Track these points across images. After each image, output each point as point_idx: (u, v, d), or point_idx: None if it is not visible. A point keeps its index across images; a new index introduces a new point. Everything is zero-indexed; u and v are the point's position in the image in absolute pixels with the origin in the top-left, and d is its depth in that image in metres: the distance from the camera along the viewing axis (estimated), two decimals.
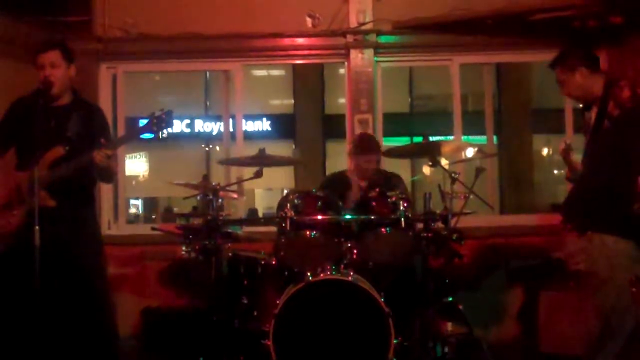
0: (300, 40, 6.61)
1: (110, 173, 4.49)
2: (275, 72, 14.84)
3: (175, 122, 14.31)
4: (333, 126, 13.30)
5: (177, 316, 5.51)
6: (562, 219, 4.13)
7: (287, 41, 6.61)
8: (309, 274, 4.25)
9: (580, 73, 4.06)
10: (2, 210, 4.17)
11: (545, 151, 15.02)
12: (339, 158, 11.04)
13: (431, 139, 5.11)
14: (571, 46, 4.43)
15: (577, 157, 4.24)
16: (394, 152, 5.72)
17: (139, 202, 15.69)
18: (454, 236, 4.64)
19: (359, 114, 6.47)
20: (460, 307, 4.68)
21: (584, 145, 4.17)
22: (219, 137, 11.94)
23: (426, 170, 13.21)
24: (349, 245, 4.54)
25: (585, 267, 3.94)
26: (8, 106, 4.44)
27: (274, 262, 4.62)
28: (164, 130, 4.14)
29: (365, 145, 5.41)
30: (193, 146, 14.61)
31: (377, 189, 4.67)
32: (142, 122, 4.25)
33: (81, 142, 4.20)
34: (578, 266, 3.98)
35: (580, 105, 4.27)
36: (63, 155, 4.14)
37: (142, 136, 4.35)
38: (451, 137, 6.78)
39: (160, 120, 4.13)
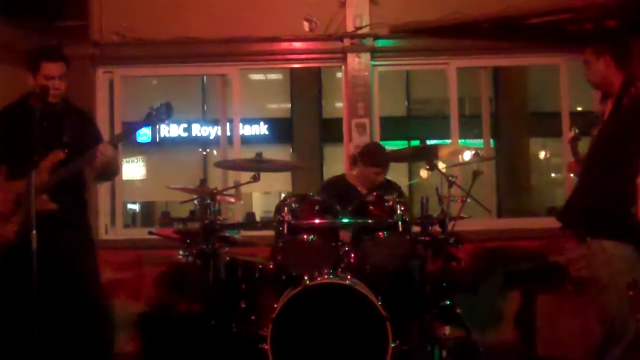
0: (298, 45, 6.62)
1: (115, 169, 4.52)
2: (273, 76, 14.87)
3: (173, 126, 14.34)
4: (330, 130, 13.32)
5: (175, 321, 5.50)
6: (560, 225, 4.13)
7: (284, 45, 6.62)
8: (306, 277, 4.24)
9: (605, 60, 4.01)
10: (5, 220, 4.16)
11: (542, 154, 15.06)
12: (336, 162, 11.05)
13: (428, 142, 5.11)
14: (607, 33, 4.40)
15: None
16: (392, 156, 5.72)
17: (136, 207, 15.68)
18: (452, 240, 4.65)
19: (357, 118, 6.48)
20: (458, 310, 4.67)
21: (593, 137, 4.17)
22: (216, 141, 11.93)
23: (423, 174, 13.26)
24: (347, 249, 4.54)
25: (586, 273, 3.93)
26: None
27: (271, 266, 4.61)
28: (164, 122, 4.14)
29: (377, 158, 5.31)
30: (190, 150, 14.62)
31: (375, 193, 4.67)
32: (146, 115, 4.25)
33: (77, 148, 4.21)
34: (579, 272, 3.98)
35: (599, 99, 4.26)
36: (63, 159, 4.14)
37: (142, 128, 4.35)
38: (448, 141, 6.79)
39: (159, 112, 4.13)
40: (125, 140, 4.40)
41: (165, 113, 4.13)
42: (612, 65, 4.02)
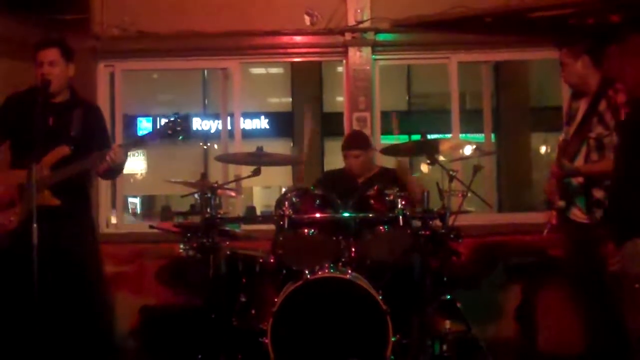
0: (299, 39, 6.61)
1: (120, 173, 4.52)
2: (274, 70, 14.82)
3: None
4: (331, 124, 13.30)
5: (175, 314, 5.51)
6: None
7: (285, 39, 6.61)
8: (307, 271, 4.25)
9: (583, 61, 4.09)
10: (5, 209, 4.16)
11: (543, 149, 15.02)
12: (337, 156, 10.98)
13: (429, 137, 5.11)
14: (583, 34, 4.44)
15: None
16: (392, 150, 5.72)
17: (137, 200, 15.67)
18: (452, 234, 4.65)
19: (357, 112, 6.48)
20: (459, 305, 4.68)
21: (565, 135, 4.20)
22: (217, 135, 11.93)
23: (424, 168, 13.24)
24: (347, 243, 4.55)
25: (618, 269, 3.92)
26: (3, 101, 4.43)
27: (272, 260, 4.62)
28: (182, 135, 4.16)
29: (350, 140, 5.45)
30: (191, 144, 14.58)
31: (376, 187, 4.67)
32: (160, 125, 4.26)
33: (84, 141, 4.22)
34: (614, 267, 3.96)
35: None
36: (68, 154, 4.14)
37: (157, 139, 4.36)
38: (449, 135, 6.78)
39: (177, 124, 4.15)
40: (138, 148, 4.42)
41: (183, 128, 4.15)
42: (590, 65, 4.06)
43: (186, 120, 4.17)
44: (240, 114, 6.92)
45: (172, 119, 4.17)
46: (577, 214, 4.13)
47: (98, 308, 4.39)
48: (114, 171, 4.40)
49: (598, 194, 4.03)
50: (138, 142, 4.77)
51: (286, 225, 4.44)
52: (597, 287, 4.04)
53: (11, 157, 4.31)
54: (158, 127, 4.29)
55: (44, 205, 3.91)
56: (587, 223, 4.08)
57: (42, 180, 3.97)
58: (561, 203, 4.15)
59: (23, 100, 4.26)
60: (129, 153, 4.33)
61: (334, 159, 12.79)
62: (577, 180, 4.11)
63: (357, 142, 5.42)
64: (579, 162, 4.11)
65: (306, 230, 4.48)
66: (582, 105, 4.14)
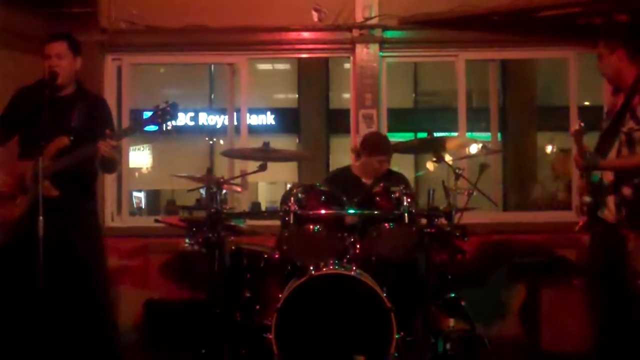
0: (306, 35, 6.61)
1: (114, 164, 4.50)
2: (280, 66, 14.83)
3: (180, 114, 14.29)
4: (337, 121, 13.31)
5: (180, 309, 5.53)
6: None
7: (292, 35, 6.61)
8: (311, 268, 4.25)
9: (619, 54, 4.07)
10: (6, 200, 4.18)
11: (549, 148, 15.01)
12: (343, 153, 11.03)
13: (435, 135, 5.10)
14: (621, 26, 4.43)
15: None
16: (398, 148, 5.71)
17: (142, 195, 15.70)
18: (457, 232, 4.64)
19: (364, 109, 6.47)
20: (463, 303, 4.68)
21: (602, 130, 4.18)
22: (223, 130, 11.93)
23: (430, 166, 13.24)
24: (352, 240, 4.54)
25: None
26: (12, 94, 4.46)
27: (277, 256, 4.62)
28: (169, 123, 4.15)
29: (379, 146, 5.30)
30: (197, 139, 14.61)
31: (382, 184, 4.67)
32: (147, 114, 4.26)
33: (85, 133, 4.22)
34: (634, 263, 3.96)
35: (611, 90, 4.28)
36: (68, 145, 4.15)
37: (146, 128, 4.35)
38: (455, 134, 6.77)
39: (165, 112, 4.15)
40: (127, 137, 4.39)
41: (170, 114, 4.15)
42: (626, 59, 4.04)
43: (174, 107, 4.17)
44: (246, 109, 6.91)
45: (161, 106, 4.17)
46: (607, 214, 4.07)
47: (99, 301, 4.39)
48: (107, 165, 4.40)
49: (627, 191, 4.00)
50: (127, 131, 4.75)
51: (291, 221, 4.44)
52: (617, 288, 4.02)
53: (19, 150, 4.33)
54: (145, 116, 4.30)
55: (43, 195, 3.91)
56: (614, 223, 4.02)
57: (42, 170, 3.98)
58: (587, 199, 4.09)
59: (31, 94, 4.27)
60: (121, 145, 4.32)
61: (340, 155, 12.83)
62: (607, 178, 4.08)
63: (386, 147, 5.29)
64: (612, 157, 4.08)
65: (311, 227, 4.46)
66: (620, 100, 4.12)
